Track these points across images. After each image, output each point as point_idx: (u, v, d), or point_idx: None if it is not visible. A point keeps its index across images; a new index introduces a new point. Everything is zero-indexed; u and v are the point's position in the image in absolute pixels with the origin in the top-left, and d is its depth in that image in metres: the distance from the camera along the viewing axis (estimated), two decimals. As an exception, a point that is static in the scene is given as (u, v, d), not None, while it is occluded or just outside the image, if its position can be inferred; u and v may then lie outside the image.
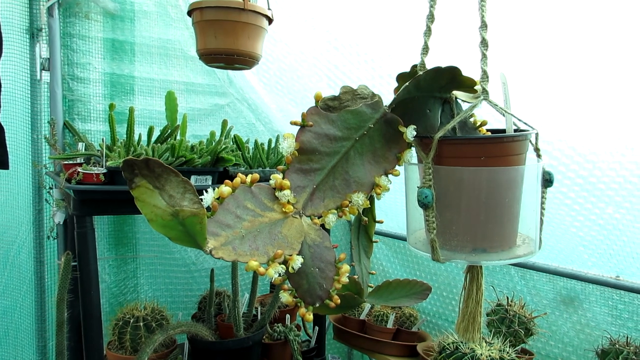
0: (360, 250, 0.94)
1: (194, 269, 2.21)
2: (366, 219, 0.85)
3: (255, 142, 1.67)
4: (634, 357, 1.63)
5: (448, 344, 1.51)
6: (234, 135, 1.69)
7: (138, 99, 2.07)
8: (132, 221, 2.05)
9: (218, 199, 0.52)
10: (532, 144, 0.76)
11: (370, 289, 0.99)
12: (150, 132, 1.58)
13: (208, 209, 0.52)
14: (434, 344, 1.86)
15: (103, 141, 1.50)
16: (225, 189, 0.53)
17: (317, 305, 0.58)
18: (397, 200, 2.01)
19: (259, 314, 1.84)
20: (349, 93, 0.66)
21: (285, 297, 0.57)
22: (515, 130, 0.76)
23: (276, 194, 0.59)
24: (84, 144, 1.69)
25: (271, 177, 0.60)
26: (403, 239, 2.41)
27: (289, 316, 1.96)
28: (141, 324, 1.75)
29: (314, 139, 0.62)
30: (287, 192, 0.59)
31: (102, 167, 1.46)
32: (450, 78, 0.68)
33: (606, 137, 1.39)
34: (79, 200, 1.43)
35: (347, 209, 0.64)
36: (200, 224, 0.46)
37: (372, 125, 0.66)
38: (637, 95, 1.25)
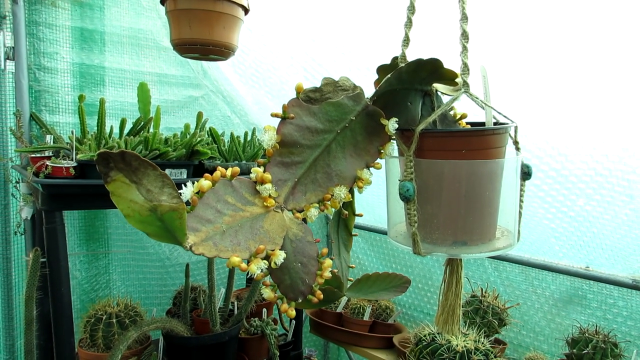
0: (340, 244, 0.93)
1: (168, 264, 2.17)
2: (346, 212, 0.84)
3: (231, 134, 1.64)
4: (602, 345, 1.68)
5: (424, 336, 1.53)
6: (210, 128, 1.65)
7: (109, 90, 2.01)
8: (104, 216, 2.00)
9: (198, 193, 0.51)
10: (511, 137, 0.76)
11: (349, 283, 0.99)
12: (122, 124, 1.54)
13: (187, 203, 0.50)
14: (410, 336, 1.88)
15: (73, 134, 1.45)
16: (205, 182, 0.51)
17: (300, 300, 0.57)
18: (374, 193, 2.02)
19: (236, 308, 1.83)
20: (330, 85, 0.64)
21: (267, 293, 0.56)
22: (494, 124, 0.76)
23: (257, 187, 0.58)
24: (52, 136, 1.63)
25: (252, 171, 0.58)
26: (380, 232, 2.42)
27: (265, 310, 1.95)
28: (114, 320, 1.71)
29: (295, 132, 0.61)
30: (268, 185, 0.57)
31: (73, 160, 1.41)
32: (432, 70, 0.68)
33: (578, 131, 1.42)
34: (47, 195, 1.39)
35: (328, 202, 0.63)
36: (180, 219, 0.45)
37: (353, 118, 0.65)
38: (608, 91, 1.28)
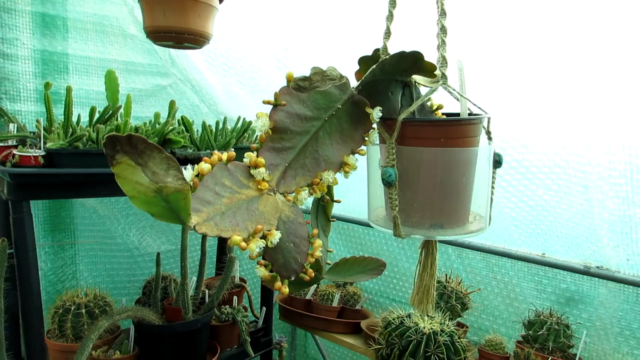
0: (319, 229, 0.96)
1: (137, 253, 2.15)
2: (328, 197, 0.88)
3: (203, 123, 1.65)
4: (556, 326, 1.79)
5: (393, 319, 1.59)
6: (182, 117, 1.65)
7: (73, 78, 1.96)
8: (70, 206, 1.96)
9: (197, 175, 0.53)
10: (484, 127, 0.81)
11: (328, 266, 1.02)
12: (92, 112, 1.51)
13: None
14: (378, 320, 1.94)
15: (40, 122, 1.42)
16: (204, 165, 0.53)
17: (293, 278, 0.60)
18: (343, 182, 2.06)
19: (207, 296, 1.84)
20: (318, 74, 0.67)
21: (262, 271, 0.58)
22: (468, 114, 0.81)
23: (251, 171, 0.60)
24: (15, 125, 1.58)
25: (245, 155, 0.61)
26: (348, 220, 2.48)
27: (236, 298, 1.96)
28: (83, 310, 1.69)
29: (286, 118, 0.64)
30: (262, 169, 0.60)
31: (41, 149, 1.39)
32: (413, 62, 0.72)
33: (538, 124, 1.50)
34: (15, 185, 1.36)
35: (317, 186, 0.66)
36: (185, 200, 0.47)
37: (340, 106, 0.68)
38: (567, 87, 1.36)
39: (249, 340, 1.87)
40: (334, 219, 0.98)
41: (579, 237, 1.82)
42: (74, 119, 1.55)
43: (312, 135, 0.66)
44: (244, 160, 0.61)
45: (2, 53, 1.79)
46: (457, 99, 0.82)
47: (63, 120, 1.53)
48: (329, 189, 0.96)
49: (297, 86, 0.66)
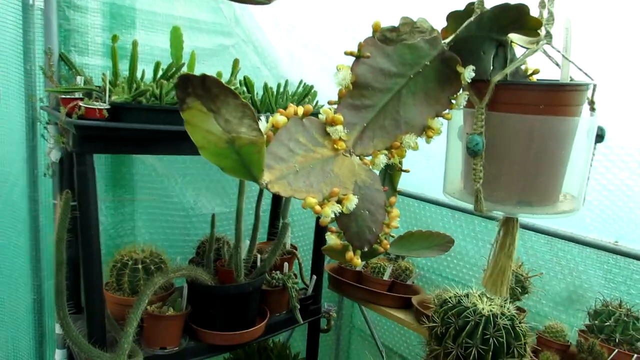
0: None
1: (192, 214, 2.17)
2: (399, 165, 0.81)
3: (265, 85, 1.60)
4: (625, 318, 1.67)
5: (449, 298, 1.52)
6: (244, 77, 1.61)
7: (140, 33, 1.96)
8: (130, 162, 1.99)
9: (272, 129, 0.48)
10: (587, 97, 0.71)
11: (391, 239, 0.97)
12: (156, 67, 1.50)
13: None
14: (430, 297, 1.88)
15: (106, 76, 1.42)
16: (280, 118, 0.48)
17: (366, 249, 0.54)
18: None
19: (259, 261, 1.83)
20: (407, 25, 0.60)
21: (333, 239, 0.53)
22: (569, 80, 0.71)
23: (327, 129, 0.54)
24: (82, 77, 1.60)
25: (321, 111, 0.55)
26: (402, 194, 2.40)
27: (287, 264, 1.95)
28: (140, 266, 1.72)
29: (368, 73, 0.57)
30: (340, 127, 0.54)
31: (105, 102, 1.39)
32: (515, 17, 0.63)
33: (633, 98, 1.35)
34: (80, 137, 1.37)
35: (395, 150, 0.60)
36: (258, 154, 0.42)
37: (428, 63, 0.61)
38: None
39: (298, 307, 1.86)
40: (400, 190, 0.92)
41: (660, 227, 1.67)
42: (139, 74, 1.55)
43: (395, 93, 0.60)
44: (320, 116, 0.55)
45: (72, 4, 1.80)
46: (557, 64, 0.73)
47: (128, 75, 1.52)
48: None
49: (384, 37, 0.59)
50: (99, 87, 1.54)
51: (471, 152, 0.63)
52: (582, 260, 1.95)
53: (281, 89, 1.69)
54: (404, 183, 2.42)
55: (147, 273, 1.72)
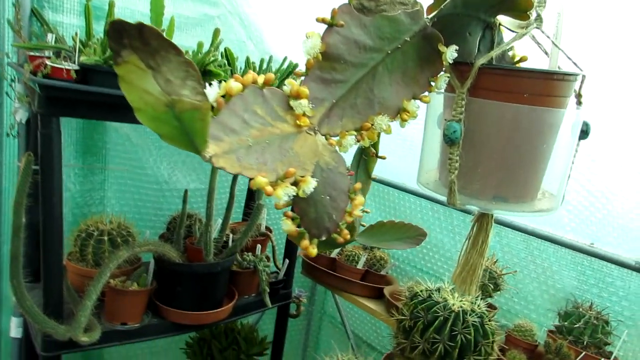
0: (358, 185, 0.86)
1: (165, 187, 2.10)
2: (374, 150, 0.77)
3: (247, 59, 1.53)
4: (594, 321, 1.67)
5: (420, 291, 1.49)
6: (225, 49, 1.54)
7: (119, -5, 1.86)
8: (103, 129, 1.91)
9: (224, 96, 0.42)
10: (574, 89, 0.67)
11: (362, 228, 0.92)
12: (131, 31, 1.42)
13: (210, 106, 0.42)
14: (402, 289, 1.86)
15: (77, 35, 1.34)
16: (234, 84, 0.42)
17: (324, 238, 0.50)
18: (381, 140, 1.93)
19: (230, 241, 1.78)
20: (388, -6, 0.54)
21: (288, 225, 0.48)
22: (557, 71, 0.67)
23: (291, 102, 0.49)
24: (53, 35, 1.51)
25: (286, 82, 0.49)
26: (383, 182, 2.36)
27: (259, 246, 1.90)
28: (105, 237, 1.66)
29: (341, 44, 0.52)
30: (304, 101, 0.49)
31: (75, 63, 1.31)
32: (505, -4, 0.58)
33: (619, 91, 1.32)
34: (45, 97, 1.29)
35: (366, 132, 0.55)
36: (202, 122, 0.36)
37: (408, 39, 0.56)
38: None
39: (268, 290, 1.81)
40: (375, 177, 0.88)
41: (637, 231, 1.65)
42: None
43: (370, 70, 0.55)
44: (284, 88, 0.50)
45: (47, -40, 1.70)
46: (546, 52, 0.68)
47: (102, 36, 1.44)
48: (375, 142, 0.84)
49: (361, 6, 0.53)
50: (71, 46, 1.46)
51: (448, 140, 0.59)
52: (556, 260, 1.94)
53: (264, 65, 1.63)
54: (385, 171, 2.38)
55: (113, 245, 1.66)
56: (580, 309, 1.71)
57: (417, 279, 1.80)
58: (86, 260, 1.65)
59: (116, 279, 1.60)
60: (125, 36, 0.35)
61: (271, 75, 0.46)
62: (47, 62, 1.28)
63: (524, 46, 0.71)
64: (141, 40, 0.35)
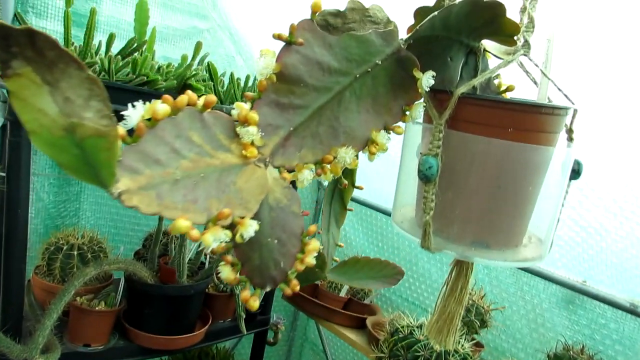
0: (331, 217, 0.79)
1: (143, 203, 2.03)
2: (346, 182, 0.70)
3: (231, 75, 1.48)
4: (586, 365, 1.59)
5: (402, 327, 1.41)
6: (208, 63, 1.48)
7: (106, 3, 1.81)
8: (81, 140, 1.84)
9: (150, 120, 0.36)
10: (565, 124, 0.61)
11: (335, 263, 0.86)
12: (110, 39, 1.36)
13: (132, 131, 0.35)
14: (385, 321, 1.78)
15: (52, 41, 1.28)
16: (161, 106, 0.36)
17: (268, 288, 0.43)
18: (372, 164, 1.87)
19: (207, 262, 1.70)
20: (357, 11, 0.48)
21: (226, 272, 0.41)
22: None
23: (237, 129, 0.42)
24: (32, 41, 1.45)
25: (235, 106, 0.43)
26: (373, 208, 2.29)
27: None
28: (75, 252, 1.58)
29: (301, 65, 0.45)
30: (253, 129, 0.42)
31: (47, 70, 1.25)
32: (490, 18, 0.52)
33: (614, 126, 1.27)
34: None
35: (328, 166, 0.48)
36: (108, 152, 0.30)
37: (379, 62, 0.49)
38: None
39: (244, 316, 1.73)
40: (351, 209, 0.81)
41: (633, 270, 1.58)
42: (96, 45, 1.41)
43: (335, 95, 0.48)
44: (232, 112, 0.43)
45: (34, -36, 1.65)
46: (534, 82, 0.62)
47: (82, 44, 1.38)
48: (350, 171, 0.78)
49: (325, 22, 0.47)
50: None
51: (423, 176, 0.52)
52: (547, 297, 1.87)
53: (250, 82, 1.57)
54: (375, 196, 2.32)
55: (82, 261, 1.58)
56: (571, 352, 1.63)
57: (401, 312, 1.73)
58: (53, 275, 1.57)
59: (83, 296, 1.52)
60: (13, 44, 0.28)
61: (212, 97, 0.39)
62: (18, 68, 1.22)
63: (512, 74, 0.65)
64: (34, 49, 0.28)
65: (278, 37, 0.45)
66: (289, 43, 0.45)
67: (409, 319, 1.44)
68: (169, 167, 0.35)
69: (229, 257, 0.41)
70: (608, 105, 1.20)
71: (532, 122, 0.52)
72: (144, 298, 1.57)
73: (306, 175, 0.45)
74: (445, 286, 0.69)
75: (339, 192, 0.78)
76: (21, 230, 1.32)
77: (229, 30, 2.03)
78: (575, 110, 0.59)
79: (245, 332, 1.75)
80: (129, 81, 1.35)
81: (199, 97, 0.39)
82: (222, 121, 0.42)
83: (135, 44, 1.51)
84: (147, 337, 1.54)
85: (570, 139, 0.61)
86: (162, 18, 1.92)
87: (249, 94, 0.43)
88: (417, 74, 0.50)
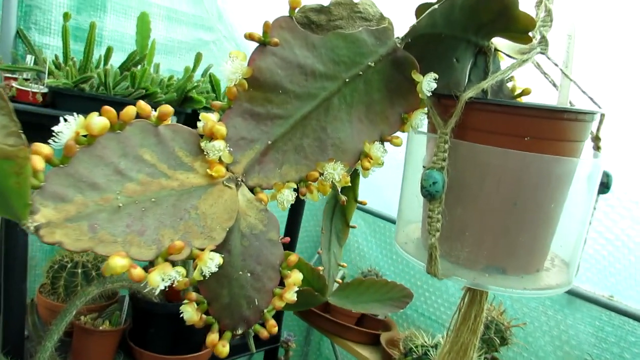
0: (332, 235, 0.72)
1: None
2: (344, 198, 0.63)
3: (234, 85, 1.42)
4: (614, 386, 1.48)
5: (416, 347, 1.33)
6: (209, 74, 1.44)
7: (110, 18, 1.79)
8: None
9: (86, 136, 0.30)
10: (591, 131, 0.53)
11: (337, 284, 0.79)
12: (107, 53, 1.33)
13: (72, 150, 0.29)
14: (400, 338, 1.69)
15: (46, 57, 1.25)
16: (97, 120, 0.30)
17: (240, 331, 0.36)
18: (384, 173, 1.80)
19: (213, 279, 1.64)
20: (344, 6, 0.42)
21: (189, 312, 0.35)
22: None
23: (202, 144, 0.36)
24: (32, 56, 1.42)
25: (200, 117, 0.37)
26: (385, 219, 2.21)
27: (247, 286, 1.76)
28: (79, 270, 1.55)
29: (278, 68, 0.39)
30: (219, 143, 0.36)
31: (44, 85, 1.21)
32: (499, 11, 0.45)
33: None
34: (11, 121, 1.19)
35: (314, 184, 0.42)
36: (18, 177, 0.24)
37: (372, 64, 0.43)
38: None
39: (252, 333, 1.66)
40: (354, 226, 0.74)
41: (663, 286, 1.48)
42: (95, 59, 1.38)
43: (321, 102, 0.42)
44: (198, 124, 0.37)
45: (37, -21, 1.64)
46: (554, 84, 0.55)
47: (82, 58, 1.35)
48: (353, 186, 0.71)
49: (307, 20, 0.41)
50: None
51: (426, 193, 0.45)
52: (571, 312, 1.76)
53: (254, 92, 1.51)
54: (388, 207, 2.24)
55: (87, 279, 1.55)
56: (598, 371, 1.52)
57: (417, 327, 1.64)
58: (57, 294, 1.53)
59: (88, 315, 1.48)
60: None
61: (169, 109, 0.33)
62: (13, 84, 1.18)
63: (529, 76, 0.58)
64: None
65: (249, 37, 0.39)
66: (263, 44, 0.39)
67: (424, 338, 1.36)
68: (109, 192, 0.29)
69: (193, 295, 0.35)
70: (636, 107, 1.12)
71: (552, 129, 0.44)
72: (149, 317, 1.52)
73: (286, 196, 0.39)
74: (457, 313, 0.61)
75: (341, 208, 0.72)
76: (21, 249, 1.28)
77: (234, 41, 1.99)
78: (602, 115, 0.51)
79: (255, 351, 1.67)
80: (128, 95, 1.31)
81: (155, 107, 0.33)
82: (183, 135, 0.35)
83: (137, 57, 1.48)
84: (153, 356, 1.49)
85: (597, 148, 0.54)
86: (167, 31, 1.88)
87: (217, 102, 0.37)
88: (416, 76, 0.43)
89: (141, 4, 1.82)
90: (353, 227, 0.77)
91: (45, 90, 1.20)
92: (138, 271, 0.28)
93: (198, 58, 1.43)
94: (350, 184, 0.55)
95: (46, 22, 1.68)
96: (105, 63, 1.34)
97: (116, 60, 1.42)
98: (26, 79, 1.31)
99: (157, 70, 1.57)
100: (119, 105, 1.15)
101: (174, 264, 0.31)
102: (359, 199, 0.71)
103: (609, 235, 1.45)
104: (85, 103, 1.23)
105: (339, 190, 0.60)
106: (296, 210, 1.72)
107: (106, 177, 0.30)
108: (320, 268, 0.75)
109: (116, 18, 1.80)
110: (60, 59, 1.39)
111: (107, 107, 0.31)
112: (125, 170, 0.31)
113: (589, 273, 1.67)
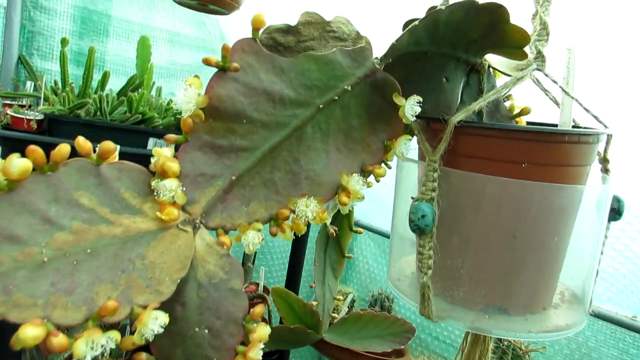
0: (327, 267, 0.68)
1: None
2: (333, 230, 0.59)
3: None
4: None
5: (428, 376, 1.26)
6: (208, 96, 1.41)
7: (112, 42, 1.79)
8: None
9: (7, 180, 0.26)
10: (598, 152, 0.48)
11: (334, 318, 0.75)
12: (104, 78, 1.31)
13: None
14: (413, 364, 1.62)
15: (41, 83, 1.24)
16: (17, 163, 0.26)
17: (197, 397, 0.32)
18: (391, 192, 1.75)
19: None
20: (315, 25, 0.38)
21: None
22: (573, 127, 0.49)
23: (153, 183, 0.32)
24: (32, 83, 1.42)
25: (153, 153, 0.33)
26: (381, 234, 2.15)
27: (252, 311, 1.71)
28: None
29: (241, 95, 0.35)
30: (170, 182, 0.32)
31: (39, 112, 1.20)
32: (489, 26, 0.41)
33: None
34: (8, 150, 1.17)
35: (285, 223, 0.37)
36: None
37: (349, 88, 0.39)
38: None
39: (259, 362, 1.60)
40: (350, 256, 0.70)
41: (688, 306, 1.40)
42: (95, 84, 1.37)
43: (293, 131, 0.38)
44: (152, 160, 0.33)
45: (40, 5, 1.65)
46: (555, 102, 0.51)
47: (82, 84, 1.34)
48: (347, 215, 0.67)
49: (273, 42, 0.37)
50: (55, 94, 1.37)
51: (415, 227, 0.41)
52: (592, 334, 1.67)
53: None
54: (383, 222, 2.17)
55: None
56: (623, 398, 1.43)
57: (429, 353, 1.57)
58: (57, 326, 1.49)
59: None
60: None
61: (111, 146, 0.29)
62: (8, 111, 1.17)
63: (529, 93, 0.53)
64: None
65: (206, 62, 0.35)
66: (223, 69, 0.35)
67: (436, 367, 1.29)
68: (32, 245, 0.26)
69: (143, 355, 0.31)
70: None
71: (552, 154, 0.40)
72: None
73: (251, 238, 0.35)
74: (459, 355, 0.56)
75: (336, 238, 0.68)
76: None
77: (237, 62, 1.98)
78: (609, 136, 0.47)
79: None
80: (124, 120, 1.28)
81: (152, 134, 0.29)
82: (131, 174, 0.32)
83: (137, 81, 1.46)
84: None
85: (605, 171, 0.49)
86: (169, 54, 1.88)
87: (171, 136, 0.33)
88: (397, 100, 0.39)
89: (143, 27, 1.82)
90: (349, 257, 0.73)
91: (41, 116, 1.18)
92: (59, 339, 0.24)
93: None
94: (346, 213, 0.51)
95: (48, 48, 1.69)
96: (102, 88, 1.32)
97: (118, 85, 1.40)
98: (21, 106, 1.29)
99: (159, 94, 1.55)
100: (114, 131, 1.11)
101: (118, 325, 0.27)
102: (367, 219, 0.67)
103: (628, 254, 1.38)
104: (81, 129, 1.21)
105: (329, 221, 0.56)
106: (300, 240, 1.67)
107: (30, 227, 0.26)
108: (314, 303, 0.70)
109: (118, 42, 1.80)
110: (45, 83, 1.38)
111: (32, 147, 0.27)
112: (55, 218, 0.27)
113: (609, 293, 1.59)
